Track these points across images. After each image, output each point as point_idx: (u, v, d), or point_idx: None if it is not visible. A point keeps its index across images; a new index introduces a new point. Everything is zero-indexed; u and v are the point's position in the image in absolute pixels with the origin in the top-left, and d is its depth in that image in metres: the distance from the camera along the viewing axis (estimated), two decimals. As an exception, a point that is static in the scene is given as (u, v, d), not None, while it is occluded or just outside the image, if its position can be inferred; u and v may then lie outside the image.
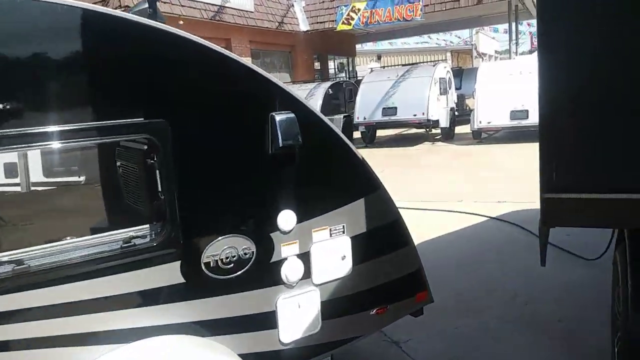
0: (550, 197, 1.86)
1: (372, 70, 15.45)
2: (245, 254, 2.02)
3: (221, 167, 2.00)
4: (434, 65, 14.47)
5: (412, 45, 40.40)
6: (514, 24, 19.83)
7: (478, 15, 22.45)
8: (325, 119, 2.28)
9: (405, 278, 2.54)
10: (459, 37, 44.59)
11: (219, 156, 1.99)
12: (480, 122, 12.54)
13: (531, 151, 10.03)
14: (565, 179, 1.81)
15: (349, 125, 14.63)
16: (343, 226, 2.29)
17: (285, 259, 2.14)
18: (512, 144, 12.28)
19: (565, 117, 1.79)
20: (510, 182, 7.98)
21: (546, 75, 1.79)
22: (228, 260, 1.98)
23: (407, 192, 8.12)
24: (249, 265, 2.03)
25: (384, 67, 16.11)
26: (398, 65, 17.48)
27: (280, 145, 2.01)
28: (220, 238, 1.96)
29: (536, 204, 6.49)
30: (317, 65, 23.12)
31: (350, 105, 15.46)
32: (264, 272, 2.10)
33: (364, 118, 14.03)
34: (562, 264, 4.31)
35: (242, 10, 16.24)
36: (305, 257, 2.19)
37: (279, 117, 2.04)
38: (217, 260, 1.96)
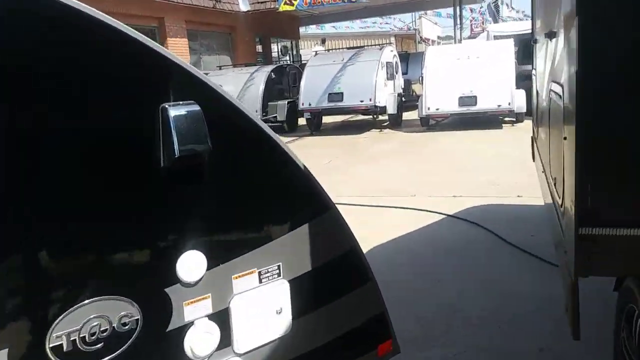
0: (589, 233, 1.23)
1: (316, 54, 14.74)
2: (125, 324, 1.29)
3: (75, 190, 1.25)
4: (380, 49, 13.93)
5: (356, 30, 39.99)
6: (458, 9, 19.68)
7: (423, -1, 22.19)
8: (250, 112, 1.55)
9: (365, 327, 1.88)
10: (403, 22, 44.57)
11: (69, 172, 1.24)
12: (428, 109, 12.13)
13: (480, 138, 9.74)
14: (616, 207, 1.20)
15: (294, 112, 13.91)
16: (278, 266, 1.59)
17: (191, 323, 1.43)
18: (461, 131, 11.98)
19: (619, 114, 1.18)
20: (463, 173, 7.56)
21: (590, 51, 1.16)
22: (95, 337, 1.25)
23: (355, 185, 7.53)
24: (131, 340, 1.31)
25: (329, 50, 15.42)
26: (343, 48, 16.79)
27: (177, 154, 1.29)
28: (79, 304, 1.23)
29: (491, 199, 6.00)
30: (259, 48, 22.14)
31: (295, 91, 14.73)
32: (156, 348, 1.38)
33: (309, 104, 13.33)
34: (535, 273, 3.82)
35: (176, -14, 15.04)
36: (222, 316, 1.48)
37: (174, 111, 1.30)
38: (75, 340, 1.22)
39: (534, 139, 4.01)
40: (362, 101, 12.88)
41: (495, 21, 32.21)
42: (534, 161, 4.19)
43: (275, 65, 15.05)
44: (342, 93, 13.07)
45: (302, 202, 1.69)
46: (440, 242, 4.81)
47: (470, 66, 12.03)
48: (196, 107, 1.33)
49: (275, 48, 24.01)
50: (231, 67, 16.00)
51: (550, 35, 2.09)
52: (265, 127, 1.57)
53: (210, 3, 16.85)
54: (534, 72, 3.88)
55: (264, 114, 13.83)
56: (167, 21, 15.46)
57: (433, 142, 11.07)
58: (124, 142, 1.30)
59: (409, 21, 44.51)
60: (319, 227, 1.70)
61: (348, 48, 15.76)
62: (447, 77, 12.07)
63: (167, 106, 1.30)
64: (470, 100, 11.76)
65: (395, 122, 13.96)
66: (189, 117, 1.31)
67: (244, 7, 18.57)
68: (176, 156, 1.29)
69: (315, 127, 14.26)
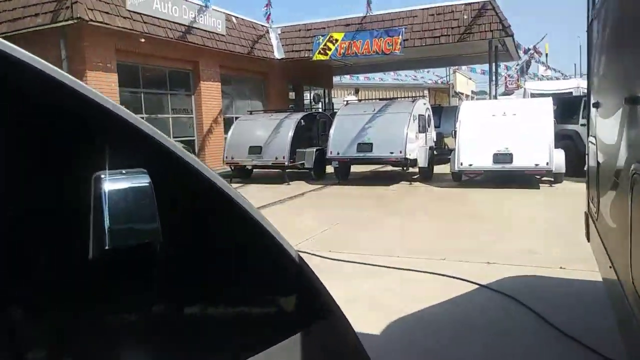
0: None
1: (347, 103, 14.59)
2: None
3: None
4: (412, 101, 13.67)
5: (390, 82, 40.18)
6: (493, 65, 19.42)
7: (457, 54, 22.08)
8: (224, 182, 1.15)
9: None
10: (438, 76, 44.75)
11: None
12: (461, 164, 11.65)
13: (516, 199, 9.15)
14: None
15: (322, 160, 13.63)
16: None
17: None
18: (495, 189, 11.42)
19: None
20: (497, 237, 6.99)
21: None
22: None
23: (380, 241, 7.04)
24: None
25: (360, 100, 15.27)
26: (375, 99, 16.63)
27: (108, 244, 0.89)
28: None
29: (530, 269, 5.37)
30: (292, 95, 22.27)
31: (324, 139, 14.50)
32: None
33: (338, 153, 13.04)
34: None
35: (212, 32, 15.28)
36: None
37: (111, 183, 0.92)
38: None
39: (590, 217, 3.47)
40: (391, 153, 12.52)
41: (522, 76, 32.00)
42: (588, 241, 3.66)
43: (305, 113, 14.96)
44: (371, 144, 12.76)
45: (296, 304, 1.26)
46: (472, 320, 4.25)
47: (506, 123, 11.59)
48: (144, 179, 0.94)
49: (308, 95, 24.16)
50: (262, 112, 15.99)
51: (634, 101, 1.67)
52: (246, 204, 1.16)
53: (245, 49, 17.06)
54: (592, 139, 3.38)
55: (291, 160, 13.59)
56: (202, 65, 15.65)
57: (465, 200, 10.54)
58: (39, 227, 0.91)
59: (443, 75, 44.64)
60: (317, 337, 1.26)
61: (380, 99, 15.59)
62: (482, 132, 11.66)
63: (101, 176, 0.91)
64: (506, 157, 11.24)
65: (426, 176, 13.50)
66: (132, 191, 0.92)
67: (278, 54, 18.77)
68: (106, 248, 0.89)
69: (343, 176, 13.92)
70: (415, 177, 13.89)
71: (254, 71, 18.64)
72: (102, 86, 12.02)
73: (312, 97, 24.14)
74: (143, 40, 12.59)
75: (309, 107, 23.28)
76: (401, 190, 12.15)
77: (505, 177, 11.99)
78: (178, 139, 15.51)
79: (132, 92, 13.71)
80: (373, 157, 12.87)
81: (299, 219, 8.83)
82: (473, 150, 11.58)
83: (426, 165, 13.28)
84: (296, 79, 21.60)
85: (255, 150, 13.80)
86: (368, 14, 18.02)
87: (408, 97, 15.20)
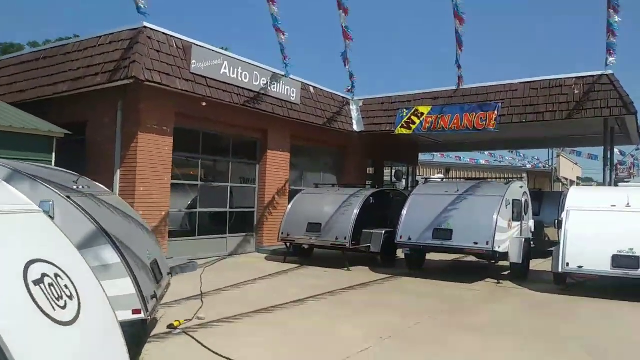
0: None
1: (426, 181, 12.61)
2: None
3: None
4: (506, 183, 11.38)
5: (483, 163, 37.42)
6: (609, 147, 16.56)
7: (563, 134, 19.45)
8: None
9: None
10: (537, 159, 41.32)
11: None
12: (567, 265, 9.09)
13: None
14: None
15: (392, 244, 11.55)
16: None
17: None
18: (616, 300, 8.63)
19: None
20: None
21: None
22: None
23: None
24: None
25: (444, 178, 13.23)
26: (461, 178, 14.44)
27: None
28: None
29: None
30: (371, 170, 20.67)
31: (398, 220, 12.49)
32: None
33: (409, 239, 10.94)
34: None
35: (284, 100, 14.30)
36: None
37: None
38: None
39: None
40: (476, 243, 10.20)
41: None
42: None
43: (376, 189, 13.15)
44: (451, 230, 10.55)
45: None
46: None
47: (631, 218, 8.97)
48: None
49: (390, 172, 22.45)
50: (330, 185, 14.42)
51: None
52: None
53: (320, 120, 15.91)
54: None
55: (354, 241, 11.68)
56: (271, 134, 14.62)
57: (572, 314, 7.91)
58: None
59: (545, 159, 41.07)
60: None
61: (466, 179, 13.44)
62: (598, 226, 9.22)
63: None
64: (631, 261, 8.56)
65: (520, 274, 10.91)
66: None
67: (357, 127, 17.42)
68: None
69: (416, 264, 11.71)
70: (505, 273, 11.32)
71: (330, 143, 17.37)
72: (153, 150, 11.17)
73: (393, 174, 22.37)
74: (205, 104, 11.76)
75: (389, 185, 21.47)
76: (484, 291, 9.67)
77: (629, 286, 9.15)
78: (237, 209, 14.29)
79: (188, 157, 12.83)
80: (452, 247, 10.60)
81: (339, 325, 6.79)
82: (584, 247, 9.11)
83: (520, 261, 10.72)
84: (376, 154, 20.05)
85: (315, 227, 12.10)
86: (460, 87, 16.29)
87: (501, 177, 12.89)
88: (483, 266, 12.43)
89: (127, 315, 4.43)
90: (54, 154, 10.79)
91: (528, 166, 39.97)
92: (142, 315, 4.62)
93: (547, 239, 14.95)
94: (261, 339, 6.03)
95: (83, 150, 11.81)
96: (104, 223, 4.81)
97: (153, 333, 6.00)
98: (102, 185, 6.28)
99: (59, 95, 11.73)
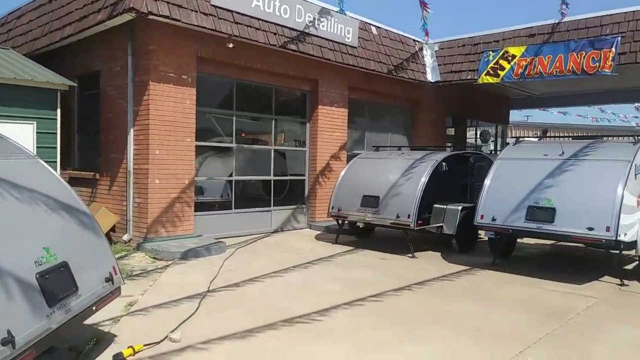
0: None
1: (517, 141, 9.53)
2: None
3: None
4: (634, 143, 8.12)
5: (590, 123, 32.43)
6: None
7: None
8: None
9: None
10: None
11: None
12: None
13: None
14: None
15: (470, 224, 8.77)
16: None
17: None
18: None
19: None
20: None
21: None
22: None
23: None
24: None
25: (541, 137, 10.02)
26: (567, 136, 11.08)
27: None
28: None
29: None
30: (451, 131, 17.58)
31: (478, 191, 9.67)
32: None
33: (493, 219, 8.11)
34: None
35: (338, 42, 11.67)
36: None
37: None
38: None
39: None
40: (590, 229, 7.21)
41: None
42: None
43: (451, 153, 10.27)
44: (553, 209, 7.60)
45: None
46: None
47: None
48: None
49: (475, 133, 19.17)
50: (395, 148, 11.72)
51: None
52: None
53: (385, 67, 13.11)
54: None
55: (421, 221, 9.06)
56: (322, 85, 12.11)
57: None
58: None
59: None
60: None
61: (572, 137, 10.12)
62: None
63: None
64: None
65: (653, 272, 7.81)
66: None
67: (433, 77, 14.34)
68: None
69: (502, 253, 8.91)
70: (629, 266, 8.25)
71: (399, 97, 14.52)
72: (170, 104, 9.14)
73: (479, 136, 19.05)
74: (232, 45, 9.45)
75: (474, 148, 18.25)
76: (604, 298, 6.73)
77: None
78: (283, 177, 12.09)
79: (219, 114, 10.71)
80: (554, 232, 7.64)
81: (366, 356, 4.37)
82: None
83: (655, 255, 7.60)
84: (457, 111, 16.88)
85: (371, 201, 9.59)
86: (563, 20, 12.71)
87: (627, 135, 9.54)
88: (598, 255, 9.39)
89: None
90: (58, 110, 9.10)
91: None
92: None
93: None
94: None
95: (98, 106, 10.08)
96: None
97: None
98: (17, 145, 4.21)
99: (67, 41, 9.97)
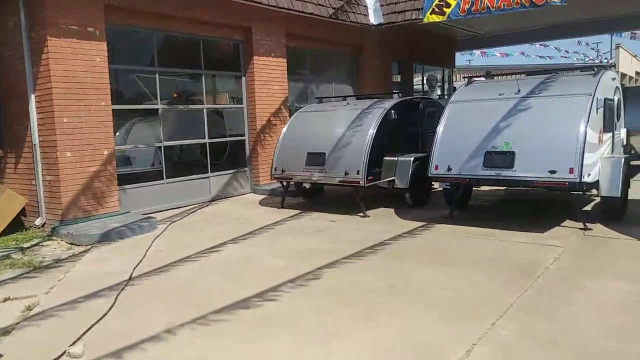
0: None
1: (469, 81, 8.81)
2: None
3: None
4: (594, 75, 7.53)
5: (533, 61, 32.43)
6: None
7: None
8: None
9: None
10: (595, 50, 35.81)
11: None
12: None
13: None
14: None
15: (424, 176, 8.11)
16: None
17: None
18: None
19: None
20: None
21: None
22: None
23: None
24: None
25: (493, 76, 9.38)
26: (521, 73, 10.47)
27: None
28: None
29: None
30: (397, 78, 16.76)
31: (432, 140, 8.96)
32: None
33: (448, 169, 7.45)
34: None
35: (270, -16, 10.43)
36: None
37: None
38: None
39: None
40: (553, 172, 6.66)
41: None
42: None
43: (399, 99, 9.48)
44: (512, 153, 6.99)
45: None
46: None
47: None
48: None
49: (421, 79, 18.44)
50: (340, 99, 10.79)
51: None
52: None
53: (325, 11, 12.00)
54: None
55: (371, 176, 8.31)
56: (256, 33, 10.91)
57: None
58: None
59: (605, 50, 35.45)
60: None
61: (528, 73, 9.50)
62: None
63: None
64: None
65: (615, 212, 7.40)
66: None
67: (375, 19, 13.37)
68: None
69: (458, 204, 8.32)
70: (588, 208, 7.87)
71: (341, 43, 13.48)
72: (76, 62, 7.81)
73: (425, 80, 18.36)
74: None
75: (421, 94, 17.56)
76: (569, 248, 6.24)
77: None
78: (219, 139, 11.00)
79: (139, 72, 9.41)
80: (514, 178, 7.05)
81: (320, 354, 3.61)
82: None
83: (618, 194, 7.16)
84: (403, 56, 16.02)
85: (316, 159, 8.73)
86: (510, -51, 11.86)
87: (587, 65, 8.98)
88: (555, 197, 8.98)
89: None
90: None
91: (580, 62, 34.61)
92: None
93: (632, 151, 11.27)
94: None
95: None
96: None
97: None
98: None
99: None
